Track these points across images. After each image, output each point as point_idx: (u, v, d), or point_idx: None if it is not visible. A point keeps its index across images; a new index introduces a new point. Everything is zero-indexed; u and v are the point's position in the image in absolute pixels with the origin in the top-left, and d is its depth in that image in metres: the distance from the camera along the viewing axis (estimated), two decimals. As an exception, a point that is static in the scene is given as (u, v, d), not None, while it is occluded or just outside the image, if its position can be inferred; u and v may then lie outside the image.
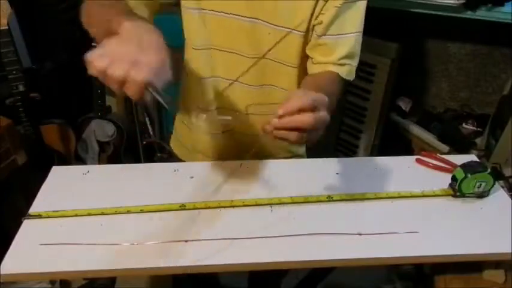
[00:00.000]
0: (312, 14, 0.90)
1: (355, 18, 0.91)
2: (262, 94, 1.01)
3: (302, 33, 0.92)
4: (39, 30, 1.99)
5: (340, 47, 0.92)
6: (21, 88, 1.59)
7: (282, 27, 0.91)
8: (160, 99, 0.62)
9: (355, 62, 0.95)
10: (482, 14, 1.57)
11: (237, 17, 0.91)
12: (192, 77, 1.02)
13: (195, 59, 0.99)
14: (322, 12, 0.89)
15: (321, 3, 0.89)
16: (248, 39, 0.93)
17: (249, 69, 0.97)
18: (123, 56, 0.59)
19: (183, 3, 0.92)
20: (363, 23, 0.92)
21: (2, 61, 1.54)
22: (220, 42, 0.95)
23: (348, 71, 0.94)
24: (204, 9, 0.91)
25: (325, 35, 0.91)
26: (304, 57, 0.97)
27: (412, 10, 1.65)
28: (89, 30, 0.82)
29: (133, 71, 0.58)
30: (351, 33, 0.91)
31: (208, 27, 0.93)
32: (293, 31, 0.92)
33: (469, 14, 1.58)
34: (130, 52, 0.59)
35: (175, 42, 1.00)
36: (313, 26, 0.92)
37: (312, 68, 0.95)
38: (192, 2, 0.91)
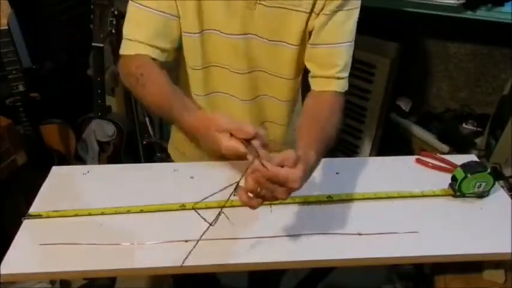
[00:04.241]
0: (306, 26, 0.90)
1: (348, 27, 0.90)
2: (256, 106, 1.02)
3: (295, 46, 0.92)
4: (39, 30, 1.99)
5: (337, 59, 0.92)
6: (21, 88, 1.59)
7: (274, 40, 0.91)
8: None
9: (348, 73, 0.95)
10: (482, 14, 1.57)
11: (230, 35, 0.91)
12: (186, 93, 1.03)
13: (192, 78, 1.00)
14: (315, 21, 0.89)
15: (313, 15, 0.89)
16: (239, 55, 0.93)
17: (241, 85, 0.98)
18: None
19: (182, 28, 0.92)
20: (354, 33, 0.92)
21: (2, 61, 1.54)
22: (215, 59, 0.96)
23: (345, 85, 0.95)
24: (199, 32, 0.91)
25: (318, 44, 0.91)
26: (299, 69, 0.97)
27: (412, 10, 1.65)
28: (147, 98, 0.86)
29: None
30: (345, 42, 0.91)
31: (206, 47, 0.93)
32: (285, 44, 0.92)
33: (469, 14, 1.58)
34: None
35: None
36: (308, 36, 0.92)
37: (313, 84, 0.96)
38: (190, 26, 0.90)
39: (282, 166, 0.66)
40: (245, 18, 0.89)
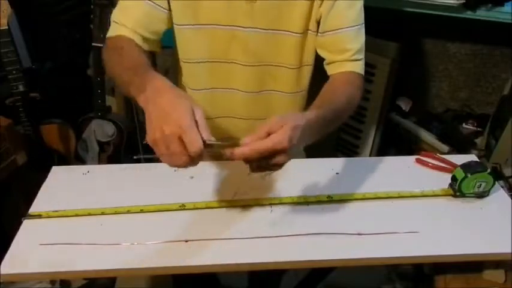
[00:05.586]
0: (309, 14, 0.90)
1: (354, 11, 0.90)
2: (261, 99, 1.01)
3: (298, 34, 0.92)
4: (39, 30, 1.99)
5: (348, 44, 0.92)
6: (21, 88, 1.59)
7: (275, 30, 0.91)
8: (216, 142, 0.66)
9: (363, 55, 0.95)
10: (482, 14, 1.57)
11: (231, 27, 0.91)
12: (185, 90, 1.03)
13: (189, 72, 1.00)
14: (320, 9, 0.90)
15: (317, 3, 0.89)
16: (243, 47, 0.93)
17: (246, 77, 0.98)
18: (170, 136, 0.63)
19: (175, 21, 0.93)
20: (363, 13, 0.92)
21: (2, 61, 1.54)
22: (215, 54, 0.95)
23: (362, 66, 0.95)
24: (199, 24, 0.92)
25: (326, 31, 0.91)
26: (303, 58, 0.97)
27: (412, 10, 1.65)
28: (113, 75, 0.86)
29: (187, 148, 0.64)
30: (352, 26, 0.91)
31: (204, 41, 0.93)
32: (288, 32, 0.92)
33: (469, 14, 1.58)
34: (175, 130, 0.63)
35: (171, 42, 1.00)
36: (317, 24, 0.92)
37: (329, 69, 0.96)
38: (189, 18, 0.91)
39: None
40: (244, 11, 0.89)
